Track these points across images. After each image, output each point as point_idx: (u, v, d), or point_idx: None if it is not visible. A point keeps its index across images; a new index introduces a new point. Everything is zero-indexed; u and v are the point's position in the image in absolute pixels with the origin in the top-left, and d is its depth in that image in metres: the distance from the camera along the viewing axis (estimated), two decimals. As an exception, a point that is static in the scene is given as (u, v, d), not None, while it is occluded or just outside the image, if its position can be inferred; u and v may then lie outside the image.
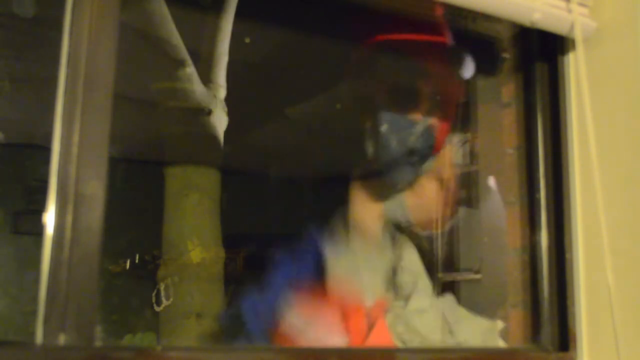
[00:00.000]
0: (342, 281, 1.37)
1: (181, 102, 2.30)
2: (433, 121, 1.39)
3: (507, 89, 1.40)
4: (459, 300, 1.52)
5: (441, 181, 1.47)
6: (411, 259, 1.46)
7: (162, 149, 2.42)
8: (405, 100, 1.40)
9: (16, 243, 4.15)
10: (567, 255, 1.22)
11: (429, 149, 1.38)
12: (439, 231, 1.53)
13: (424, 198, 1.50)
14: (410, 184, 1.48)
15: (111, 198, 0.88)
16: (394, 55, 1.40)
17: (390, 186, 1.50)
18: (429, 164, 1.41)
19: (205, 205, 2.34)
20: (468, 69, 1.43)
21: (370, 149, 1.39)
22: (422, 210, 1.52)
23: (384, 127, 1.35)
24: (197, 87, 2.27)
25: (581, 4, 1.19)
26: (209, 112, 2.32)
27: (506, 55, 1.41)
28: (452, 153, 1.51)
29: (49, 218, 0.82)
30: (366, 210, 1.51)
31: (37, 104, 2.73)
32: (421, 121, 1.37)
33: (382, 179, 1.50)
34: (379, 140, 1.36)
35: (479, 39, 1.42)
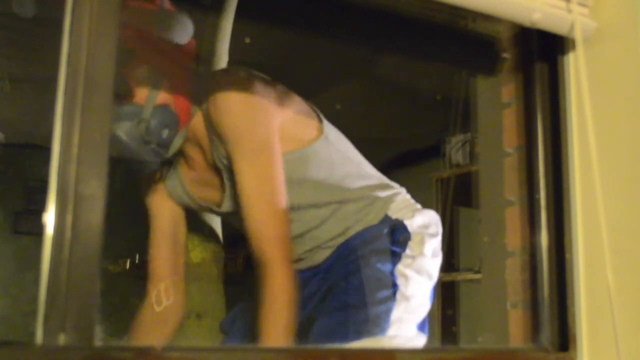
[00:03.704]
0: None
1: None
2: (163, 97, 1.31)
3: (507, 89, 1.40)
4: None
5: (203, 148, 1.41)
6: None
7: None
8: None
9: (16, 243, 4.15)
10: (567, 255, 1.22)
11: (172, 125, 1.32)
12: (222, 207, 1.46)
13: (197, 169, 1.46)
14: (164, 164, 1.44)
15: (111, 198, 0.88)
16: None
17: (146, 173, 1.47)
18: (181, 137, 1.35)
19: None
20: (180, 34, 1.34)
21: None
22: (200, 181, 1.47)
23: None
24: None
25: (581, 4, 1.19)
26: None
27: (506, 55, 1.41)
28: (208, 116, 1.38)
29: (49, 218, 0.82)
30: (152, 201, 1.52)
31: (37, 103, 2.73)
32: (145, 103, 1.29)
33: (139, 170, 1.46)
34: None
35: (479, 38, 1.42)
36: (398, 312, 1.39)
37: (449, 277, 3.56)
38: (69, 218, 0.83)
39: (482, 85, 1.49)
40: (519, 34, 1.35)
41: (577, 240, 1.21)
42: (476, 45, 1.45)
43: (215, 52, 2.32)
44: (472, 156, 3.45)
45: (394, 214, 1.48)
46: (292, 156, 1.40)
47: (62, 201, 0.83)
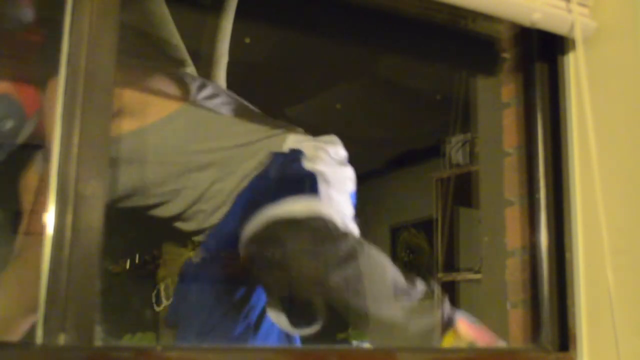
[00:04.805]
0: None
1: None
2: (4, 87, 1.26)
3: (507, 89, 1.40)
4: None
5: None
6: None
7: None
8: None
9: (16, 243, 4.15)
10: (567, 255, 1.22)
11: (16, 115, 1.27)
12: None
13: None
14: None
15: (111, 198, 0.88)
16: None
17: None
18: (30, 126, 1.31)
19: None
20: (13, 19, 1.26)
21: None
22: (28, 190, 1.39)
23: None
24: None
25: (581, 4, 1.19)
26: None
27: (506, 55, 1.41)
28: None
29: (49, 218, 0.82)
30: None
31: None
32: None
33: None
34: None
35: (479, 38, 1.42)
36: (322, 189, 1.31)
37: (449, 277, 3.56)
38: (69, 218, 0.83)
39: (482, 85, 1.49)
40: (519, 34, 1.35)
41: (577, 240, 1.21)
42: (476, 45, 1.45)
43: (215, 52, 2.31)
44: (472, 156, 3.46)
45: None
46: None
47: (62, 201, 0.83)
